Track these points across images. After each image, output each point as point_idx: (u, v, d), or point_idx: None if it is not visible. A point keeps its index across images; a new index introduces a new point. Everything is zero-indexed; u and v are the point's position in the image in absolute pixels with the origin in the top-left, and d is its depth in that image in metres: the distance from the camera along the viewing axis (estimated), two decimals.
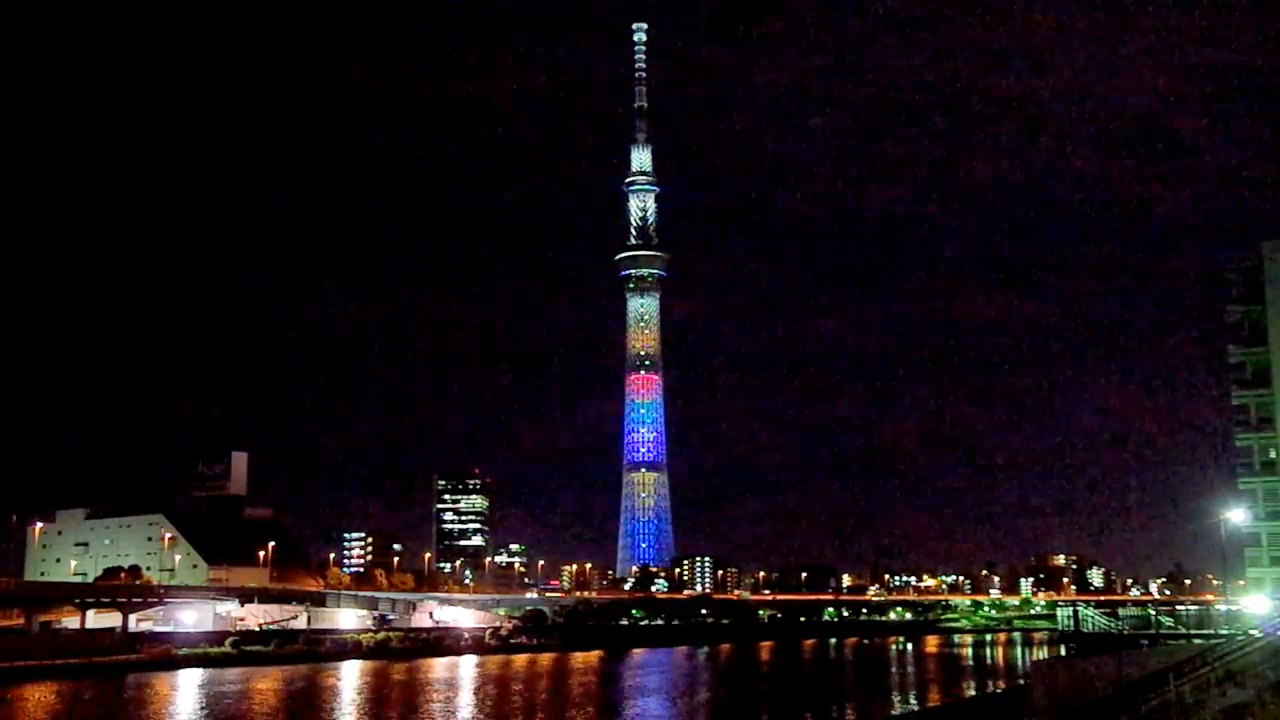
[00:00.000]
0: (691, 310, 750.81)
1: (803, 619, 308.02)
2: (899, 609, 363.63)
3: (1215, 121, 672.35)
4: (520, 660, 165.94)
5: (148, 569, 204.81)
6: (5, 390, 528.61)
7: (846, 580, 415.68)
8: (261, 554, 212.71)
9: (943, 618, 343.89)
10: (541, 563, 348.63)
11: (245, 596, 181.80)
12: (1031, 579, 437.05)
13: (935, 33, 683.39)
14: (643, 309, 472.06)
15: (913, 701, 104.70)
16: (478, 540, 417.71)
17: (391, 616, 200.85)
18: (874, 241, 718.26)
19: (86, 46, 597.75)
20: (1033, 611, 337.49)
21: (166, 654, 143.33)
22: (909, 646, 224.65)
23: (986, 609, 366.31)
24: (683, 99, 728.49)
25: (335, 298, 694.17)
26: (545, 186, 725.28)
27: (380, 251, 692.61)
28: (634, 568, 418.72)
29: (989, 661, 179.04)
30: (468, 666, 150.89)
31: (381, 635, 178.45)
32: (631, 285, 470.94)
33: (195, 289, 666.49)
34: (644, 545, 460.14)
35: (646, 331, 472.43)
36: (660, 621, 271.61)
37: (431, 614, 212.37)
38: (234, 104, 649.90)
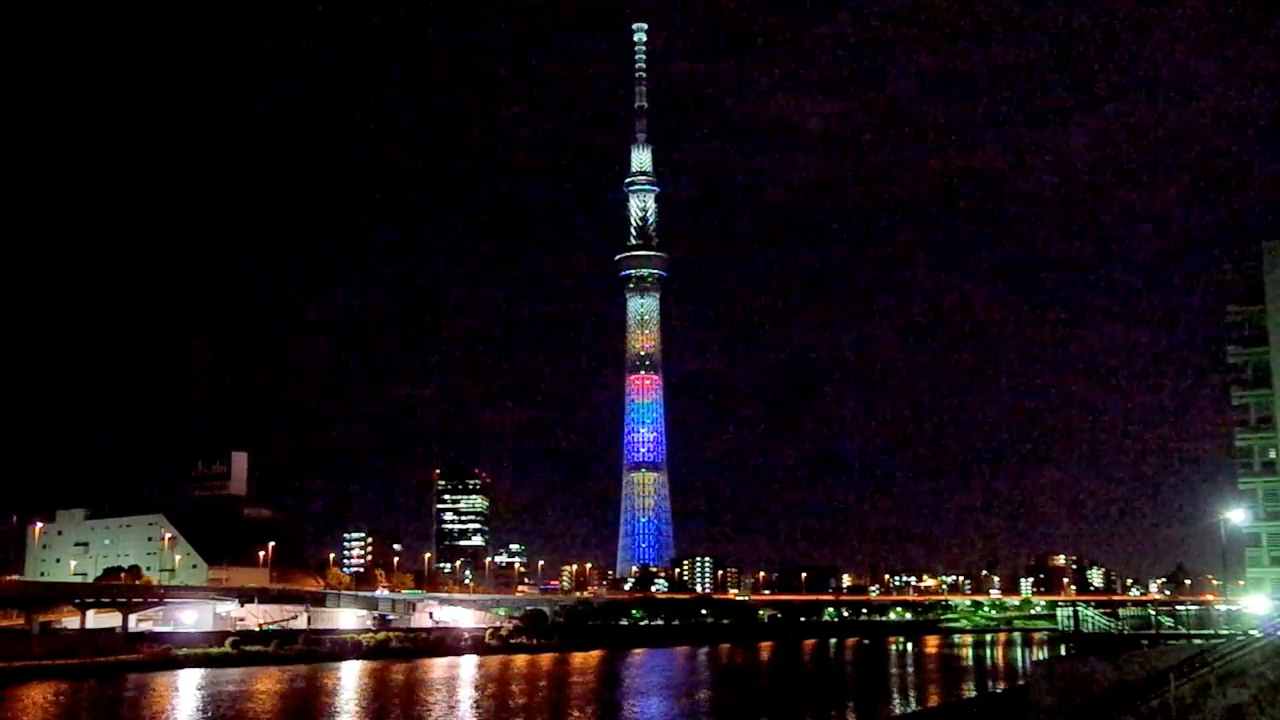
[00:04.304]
0: (691, 310, 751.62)
1: (803, 619, 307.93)
2: (899, 609, 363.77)
3: (1216, 120, 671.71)
4: (520, 660, 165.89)
5: (148, 569, 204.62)
6: (5, 390, 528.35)
7: (846, 580, 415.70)
8: (261, 554, 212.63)
9: (943, 618, 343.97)
10: (541, 563, 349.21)
11: (245, 596, 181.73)
12: (1031, 579, 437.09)
13: (936, 31, 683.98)
14: (643, 309, 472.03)
15: (913, 702, 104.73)
16: (478, 540, 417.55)
17: (391, 617, 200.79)
18: (874, 241, 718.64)
19: (87, 47, 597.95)
20: (1033, 612, 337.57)
21: (166, 654, 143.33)
22: (909, 646, 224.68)
23: (986, 609, 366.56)
24: (683, 99, 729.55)
25: (335, 298, 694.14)
26: (545, 187, 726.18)
27: (379, 251, 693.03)
28: (634, 568, 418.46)
29: (989, 662, 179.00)
30: (468, 667, 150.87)
31: (381, 635, 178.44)
32: (631, 285, 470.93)
33: (195, 289, 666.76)
34: (644, 545, 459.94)
35: (646, 331, 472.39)
36: (660, 621, 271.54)
37: (431, 614, 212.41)
38: (236, 104, 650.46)
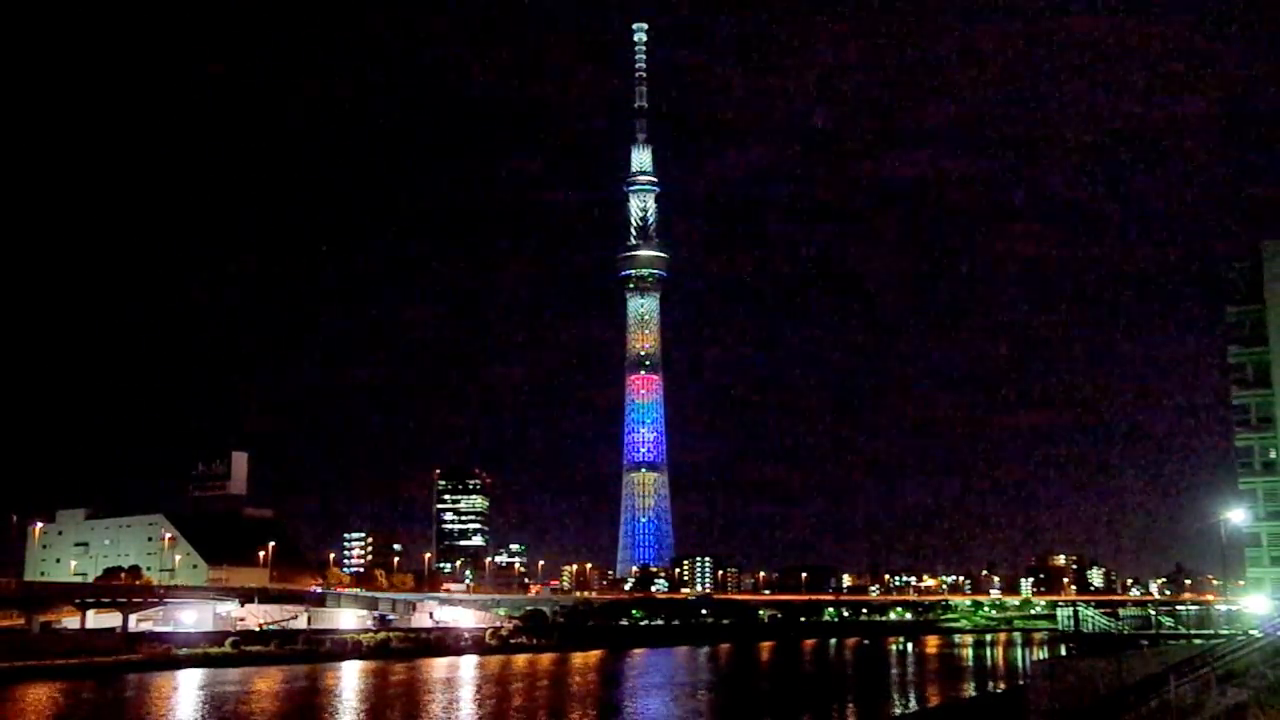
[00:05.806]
0: (691, 310, 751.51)
1: (803, 619, 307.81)
2: (899, 609, 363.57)
3: (1216, 120, 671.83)
4: (520, 660, 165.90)
5: (148, 569, 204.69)
6: (5, 390, 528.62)
7: (846, 580, 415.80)
8: (261, 554, 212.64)
9: (943, 618, 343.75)
10: (541, 563, 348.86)
11: (245, 596, 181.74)
12: (1031, 579, 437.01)
13: (936, 31, 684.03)
14: (643, 309, 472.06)
15: (913, 702, 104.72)
16: (478, 540, 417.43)
17: (391, 617, 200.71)
18: (874, 241, 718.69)
19: (89, 47, 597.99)
20: (1033, 611, 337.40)
21: (166, 654, 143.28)
22: (909, 646, 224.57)
23: (986, 609, 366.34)
24: (683, 99, 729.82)
25: (334, 297, 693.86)
26: (545, 186, 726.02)
27: (379, 250, 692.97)
28: (634, 568, 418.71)
29: (989, 662, 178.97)
30: (468, 667, 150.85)
31: (381, 635, 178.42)
32: (631, 285, 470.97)
33: (195, 289, 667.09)
34: (644, 545, 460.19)
35: (646, 331, 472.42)
36: (660, 621, 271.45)
37: (431, 614, 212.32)
38: (237, 105, 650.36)
